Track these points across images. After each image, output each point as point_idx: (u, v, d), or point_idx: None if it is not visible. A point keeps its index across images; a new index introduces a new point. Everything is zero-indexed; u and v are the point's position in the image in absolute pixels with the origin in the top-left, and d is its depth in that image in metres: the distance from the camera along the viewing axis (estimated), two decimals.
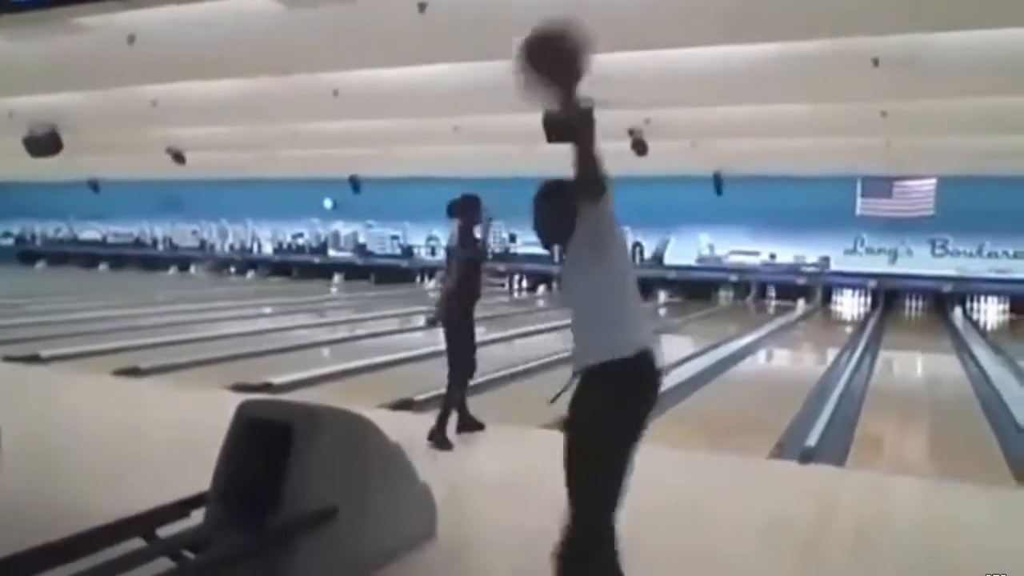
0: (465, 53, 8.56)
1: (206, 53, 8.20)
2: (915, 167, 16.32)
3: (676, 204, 18.43)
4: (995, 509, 4.34)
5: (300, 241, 23.59)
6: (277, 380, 7.13)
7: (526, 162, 15.54)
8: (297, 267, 23.21)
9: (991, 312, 17.27)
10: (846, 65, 8.26)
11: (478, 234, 6.02)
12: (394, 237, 22.33)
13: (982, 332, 14.34)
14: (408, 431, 5.34)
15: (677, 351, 10.93)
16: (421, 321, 14.08)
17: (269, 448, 2.99)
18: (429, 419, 6.13)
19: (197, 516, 3.06)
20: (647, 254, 19.67)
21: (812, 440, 5.65)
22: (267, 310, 15.21)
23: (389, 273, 21.71)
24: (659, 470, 4.92)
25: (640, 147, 12.31)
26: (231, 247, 24.59)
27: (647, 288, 19.06)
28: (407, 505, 3.45)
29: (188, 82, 10.08)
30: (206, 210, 24.05)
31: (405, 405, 6.35)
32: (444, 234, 21.24)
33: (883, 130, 11.69)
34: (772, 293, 18.84)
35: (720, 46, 8.30)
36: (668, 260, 19.47)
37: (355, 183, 20.89)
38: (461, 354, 5.51)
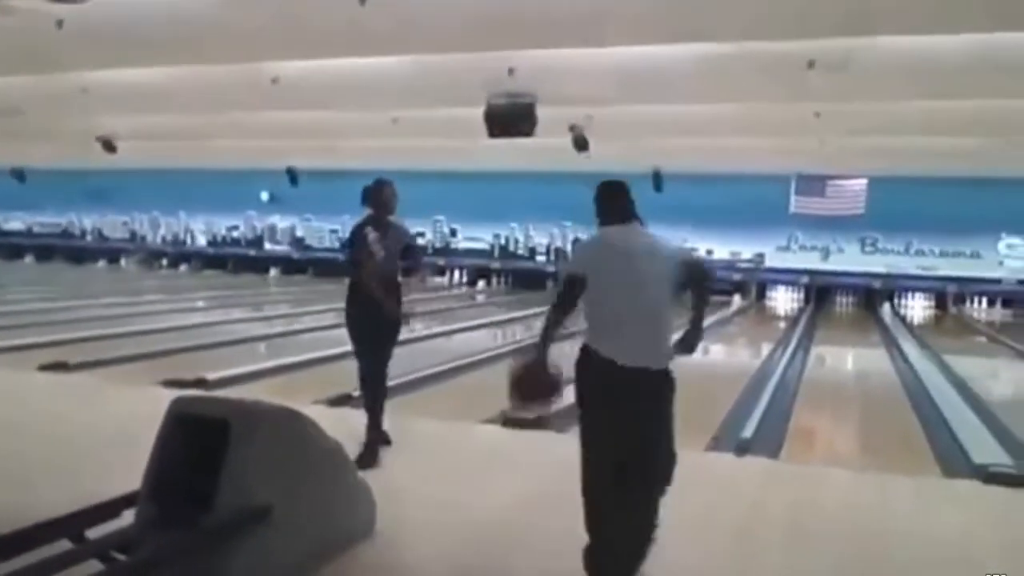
0: (405, 46, 8.48)
1: (139, 38, 7.97)
2: (847, 167, 16.76)
3: None
4: (921, 498, 4.48)
5: (235, 234, 23.14)
6: (212, 376, 6.97)
7: (467, 156, 15.59)
8: (232, 260, 22.77)
9: (917, 308, 17.86)
10: (782, 67, 8.43)
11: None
12: (333, 231, 22.06)
13: (909, 327, 14.81)
14: (347, 427, 5.29)
15: None
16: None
17: (203, 446, 2.92)
18: (364, 415, 6.08)
19: (128, 516, 2.97)
20: None
21: (747, 433, 5.75)
22: (201, 304, 14.88)
23: (327, 267, 21.42)
24: None
25: (580, 143, 12.37)
26: (163, 239, 24.00)
27: None
28: (345, 502, 3.40)
29: (120, 68, 9.79)
30: (137, 201, 23.42)
31: (344, 401, 6.26)
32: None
33: (817, 130, 11.96)
34: (718, 287, 19.14)
35: (661, 46, 8.40)
36: None
37: (293, 175, 20.56)
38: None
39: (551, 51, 8.78)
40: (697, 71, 8.87)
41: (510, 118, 9.95)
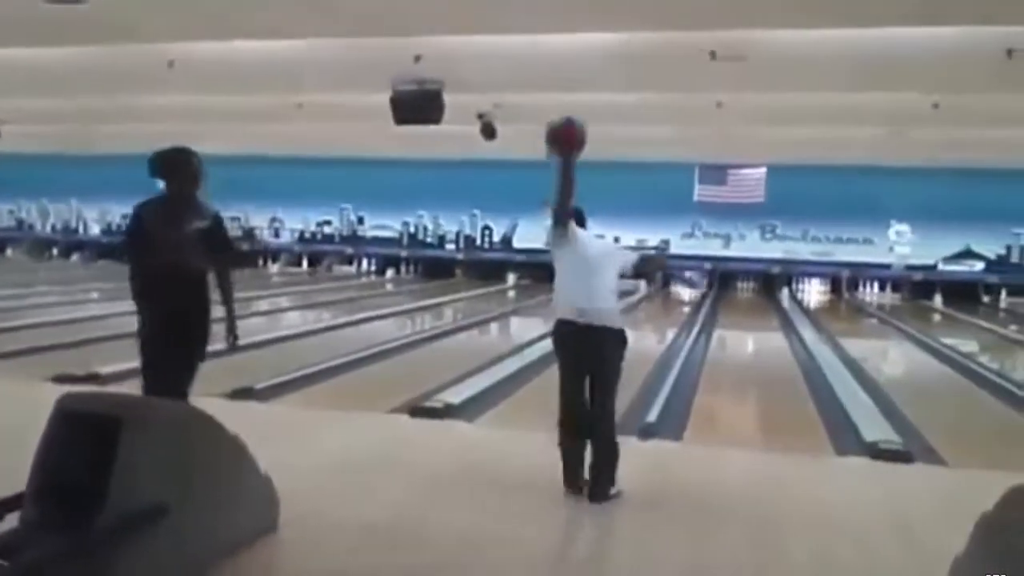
0: (309, 28, 8.30)
1: (26, 17, 7.55)
2: (748, 156, 17.25)
3: (525, 188, 18.63)
4: (815, 475, 4.65)
5: None
6: (105, 370, 6.69)
7: (374, 141, 15.38)
8: None
9: (814, 292, 18.57)
10: (685, 57, 8.60)
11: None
12: (235, 219, 21.43)
13: (806, 311, 15.37)
14: (249, 420, 5.16)
15: (527, 333, 11.09)
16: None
17: (94, 444, 2.78)
18: (270, 408, 5.97)
19: (12, 520, 2.82)
20: (496, 237, 19.85)
21: (652, 417, 5.86)
22: (94, 295, 14.26)
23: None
24: (515, 448, 5.01)
25: (489, 131, 12.35)
26: (53, 228, 22.89)
27: (497, 270, 19.25)
28: (246, 498, 3.31)
29: (6, 48, 9.26)
30: (25, 188, 22.25)
31: (246, 394, 6.10)
32: (289, 215, 20.91)
33: (719, 120, 12.26)
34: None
35: (569, 34, 8.45)
36: (517, 243, 19.72)
37: None
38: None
39: (458, 38, 8.74)
40: (604, 60, 8.97)
41: (417, 105, 9.86)
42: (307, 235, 21.06)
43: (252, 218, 21.21)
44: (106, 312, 11.78)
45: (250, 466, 3.44)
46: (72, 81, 10.64)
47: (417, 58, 9.07)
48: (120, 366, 6.97)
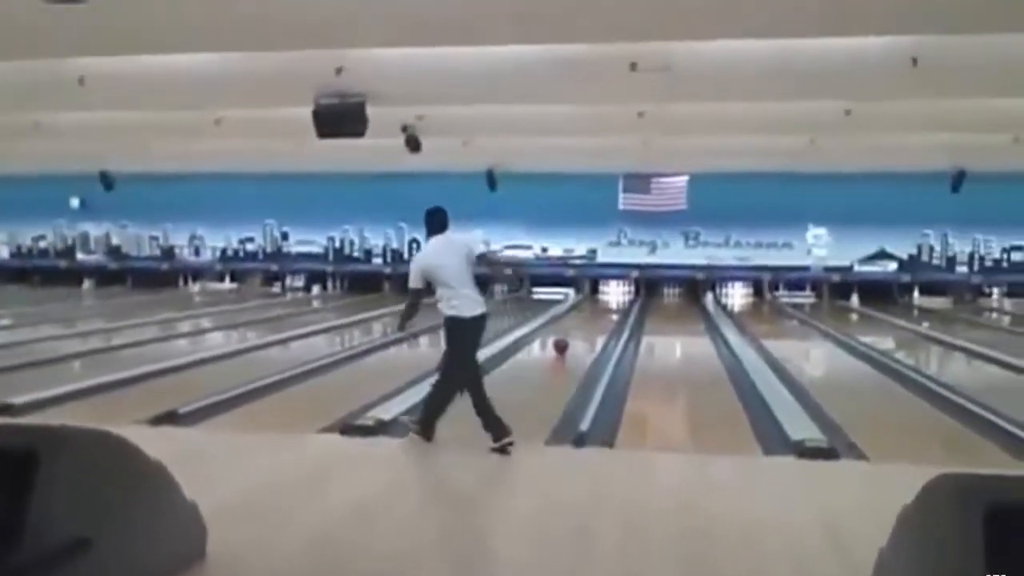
0: (227, 42, 8.14)
1: None
2: (670, 165, 17.57)
3: (450, 200, 18.56)
4: (743, 476, 4.75)
5: (43, 244, 21.41)
6: (18, 400, 6.40)
7: (296, 158, 15.15)
8: (39, 273, 21.02)
9: (737, 296, 18.99)
10: (606, 69, 8.72)
11: None
12: (153, 238, 20.86)
13: (730, 314, 15.71)
14: (173, 446, 5.01)
15: None
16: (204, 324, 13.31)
17: (7, 478, 2.66)
18: (195, 432, 5.80)
19: None
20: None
21: (584, 424, 5.90)
22: (4, 321, 13.67)
23: (148, 277, 20.27)
24: (438, 464, 4.98)
25: (413, 143, 12.31)
26: None
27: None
28: (171, 527, 3.20)
29: None
30: None
31: (168, 419, 5.91)
32: (210, 233, 20.40)
33: (641, 130, 12.46)
34: (553, 283, 19.58)
35: (488, 47, 8.48)
36: None
37: (107, 180, 19.24)
38: None
39: (381, 51, 8.69)
40: (526, 72, 9.02)
41: (340, 118, 9.76)
42: (229, 253, 20.60)
43: (171, 236, 20.65)
44: (17, 339, 11.32)
45: (174, 493, 3.33)
46: None
47: (339, 70, 8.98)
48: (34, 395, 6.70)
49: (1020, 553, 2.05)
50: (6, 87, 9.63)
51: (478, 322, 5.27)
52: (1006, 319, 16.90)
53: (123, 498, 2.97)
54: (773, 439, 5.70)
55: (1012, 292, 18.47)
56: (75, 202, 20.63)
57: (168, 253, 20.77)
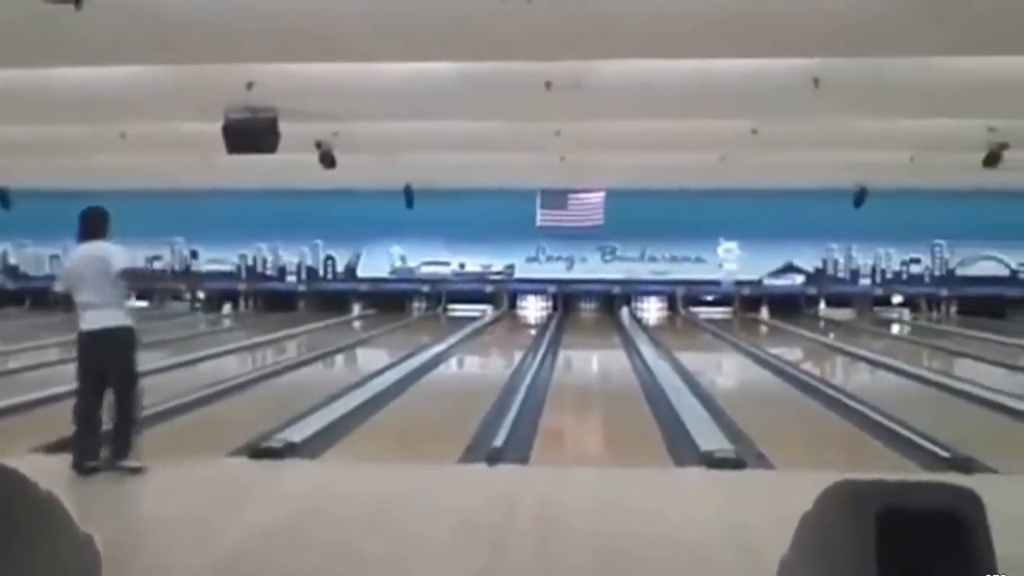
0: (130, 55, 7.89)
1: None
2: (587, 181, 17.80)
3: (367, 217, 18.50)
4: (657, 489, 4.80)
5: None
6: None
7: (206, 172, 14.78)
8: None
9: (652, 310, 19.32)
10: (523, 86, 8.79)
11: None
12: (54, 257, 19.98)
13: (645, 329, 15.96)
14: (70, 475, 4.81)
15: (372, 364, 10.95)
16: None
17: None
18: None
19: None
20: (340, 267, 19.52)
21: (499, 441, 5.88)
22: None
23: (48, 297, 19.39)
24: (350, 485, 4.88)
25: (328, 159, 12.16)
26: None
27: (341, 301, 18.90)
28: (64, 560, 3.04)
29: None
30: None
31: (67, 446, 5.64)
32: (113, 251, 19.61)
33: (558, 147, 12.59)
34: (471, 299, 19.59)
35: (408, 63, 8.45)
36: (361, 273, 19.46)
37: (4, 196, 18.40)
38: None
39: (293, 66, 8.56)
40: (443, 89, 9.02)
41: (251, 134, 9.56)
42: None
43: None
44: None
45: (66, 525, 3.17)
46: None
47: (250, 85, 8.81)
48: None
49: (912, 556, 2.12)
50: None
51: (99, 337, 5.10)
52: (905, 329, 17.66)
53: (10, 531, 2.81)
54: (684, 450, 5.79)
55: (910, 303, 19.33)
56: None
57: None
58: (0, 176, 17.21)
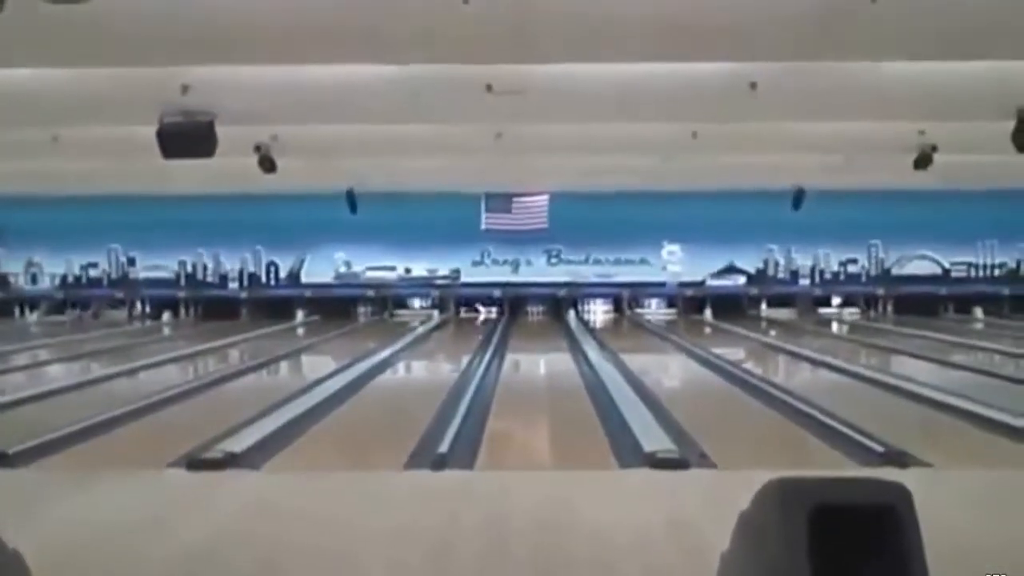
0: (60, 57, 7.68)
1: None
2: (530, 184, 17.86)
3: (310, 222, 18.30)
4: (600, 491, 4.82)
5: None
6: None
7: (144, 179, 14.46)
8: None
9: (598, 312, 19.46)
10: (461, 89, 8.78)
11: None
12: None
13: (591, 330, 16.06)
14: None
15: (316, 370, 10.82)
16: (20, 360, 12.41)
17: None
18: (25, 474, 5.41)
19: None
20: (283, 274, 19.26)
21: (444, 447, 5.85)
22: None
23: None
24: (291, 494, 4.80)
25: (267, 164, 11.98)
26: None
27: (284, 308, 18.64)
28: None
29: None
30: None
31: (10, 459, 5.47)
32: (49, 260, 19.10)
33: (500, 150, 12.59)
34: (415, 306, 19.49)
35: (340, 65, 8.36)
36: (304, 279, 19.23)
37: None
38: None
39: (229, 68, 8.41)
40: (385, 92, 8.95)
41: (187, 138, 9.37)
42: (70, 280, 19.35)
43: (4, 263, 19.22)
44: None
45: None
46: None
47: (185, 88, 8.64)
48: None
49: (844, 552, 2.16)
50: None
51: None
52: (844, 328, 18.07)
53: None
54: (628, 451, 5.82)
55: (848, 302, 19.79)
56: None
57: (2, 282, 19.31)
58: None
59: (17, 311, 19.32)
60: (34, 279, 19.28)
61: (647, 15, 6.62)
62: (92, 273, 19.29)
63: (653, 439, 5.96)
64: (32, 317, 19.34)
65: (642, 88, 8.89)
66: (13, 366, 11.61)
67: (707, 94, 8.92)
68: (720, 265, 19.52)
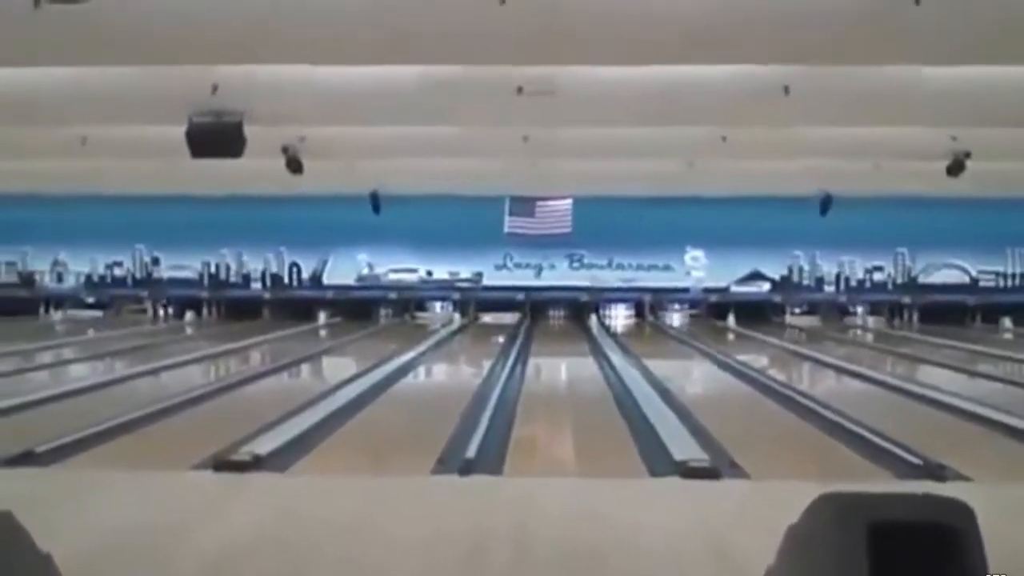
0: (90, 56, 7.71)
1: None
2: (555, 188, 17.80)
3: (333, 223, 18.32)
4: (631, 500, 4.73)
5: None
6: None
7: (170, 179, 14.53)
8: None
9: (620, 317, 19.33)
10: (494, 91, 8.72)
11: None
12: (11, 263, 19.50)
13: (613, 336, 15.95)
14: (28, 489, 4.62)
15: (339, 373, 10.80)
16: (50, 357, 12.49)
17: None
18: (52, 473, 5.39)
19: None
20: (305, 275, 19.29)
21: (471, 452, 5.78)
22: None
23: (5, 304, 18.88)
24: (320, 497, 4.75)
25: (295, 165, 11.99)
26: None
27: (306, 309, 18.67)
28: None
29: None
30: None
31: (24, 459, 5.46)
32: (74, 258, 19.22)
33: (526, 153, 12.54)
34: (436, 309, 19.44)
35: (370, 67, 8.34)
36: (327, 280, 19.25)
37: None
38: None
39: (259, 67, 8.42)
40: (415, 93, 8.92)
41: (216, 138, 9.38)
42: (95, 279, 19.48)
43: (31, 262, 19.38)
44: None
45: (23, 543, 3.02)
46: None
47: (214, 88, 8.65)
48: None
49: (904, 570, 2.07)
50: None
51: None
52: (869, 336, 17.85)
53: None
54: (657, 460, 5.73)
55: (874, 311, 19.56)
56: None
57: (28, 280, 19.46)
58: None
59: (42, 309, 19.45)
60: (60, 277, 19.42)
61: (681, 17, 6.54)
62: (117, 272, 19.41)
63: (683, 447, 5.87)
64: (57, 315, 19.47)
65: (672, 91, 8.80)
66: (38, 364, 11.68)
67: (740, 97, 8.82)
68: (745, 271, 19.35)
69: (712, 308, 19.25)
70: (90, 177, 14.86)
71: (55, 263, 19.37)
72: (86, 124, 10.82)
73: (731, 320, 18.95)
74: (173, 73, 8.39)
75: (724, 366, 11.55)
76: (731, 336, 17.36)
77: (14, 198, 16.65)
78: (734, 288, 19.33)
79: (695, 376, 11.89)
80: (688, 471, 5.23)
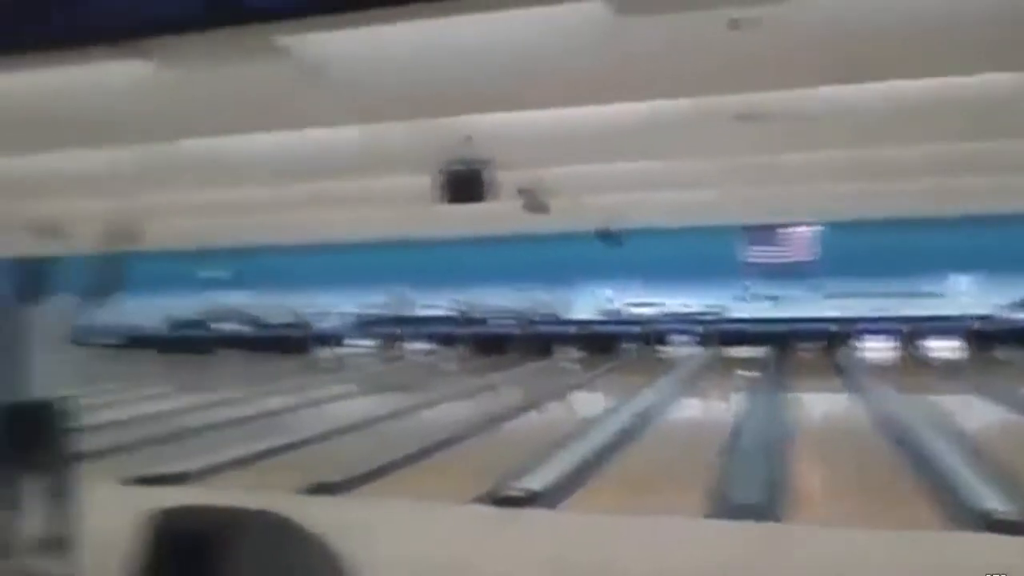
0: (362, 116, 8.32)
1: None
2: (796, 215, 16.98)
3: (568, 259, 18.61)
4: (942, 554, 4.27)
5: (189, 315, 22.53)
6: (187, 467, 6.53)
7: (419, 224, 15.32)
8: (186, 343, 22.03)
9: (880, 350, 17.84)
10: (717, 121, 8.45)
11: None
12: (283, 306, 21.57)
13: (869, 370, 14.84)
14: (325, 519, 4.96)
15: (594, 408, 10.82)
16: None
17: (188, 563, 2.61)
18: (349, 503, 5.70)
19: None
20: (548, 310, 19.68)
21: (742, 495, 5.55)
22: (155, 390, 14.16)
23: (281, 343, 20.79)
24: (598, 538, 4.71)
25: (537, 206, 12.26)
26: None
27: (550, 344, 18.99)
28: None
29: None
30: None
31: (323, 488, 5.92)
32: (341, 299, 20.81)
33: (764, 181, 12.04)
34: (678, 341, 19.12)
35: (598, 106, 8.37)
36: (569, 315, 19.53)
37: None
38: None
39: (502, 115, 8.72)
40: (647, 128, 8.85)
41: (466, 184, 9.83)
42: (362, 318, 21.10)
43: (300, 303, 21.23)
44: (169, 408, 11.49)
45: (339, 570, 3.23)
46: None
47: (468, 139, 9.07)
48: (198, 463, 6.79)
49: None
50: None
51: None
52: None
53: None
54: (953, 507, 5.21)
55: None
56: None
57: (301, 320, 21.39)
58: (229, 237, 18.61)
59: (316, 347, 21.06)
60: (329, 318, 21.12)
61: (932, 25, 6.01)
62: (380, 312, 20.81)
63: (983, 494, 5.29)
64: (327, 353, 21.01)
65: (926, 104, 8.10)
66: (317, 399, 12.55)
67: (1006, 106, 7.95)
68: (1015, 297, 17.41)
69: (978, 336, 17.39)
70: (348, 225, 16.03)
71: (323, 305, 21.16)
72: (345, 179, 11.70)
73: (1001, 351, 16.97)
74: (424, 127, 8.87)
75: (1005, 402, 10.36)
76: (1005, 368, 15.57)
77: (285, 248, 18.37)
78: (1003, 315, 17.42)
79: (975, 414, 10.73)
80: (995, 524, 4.69)
